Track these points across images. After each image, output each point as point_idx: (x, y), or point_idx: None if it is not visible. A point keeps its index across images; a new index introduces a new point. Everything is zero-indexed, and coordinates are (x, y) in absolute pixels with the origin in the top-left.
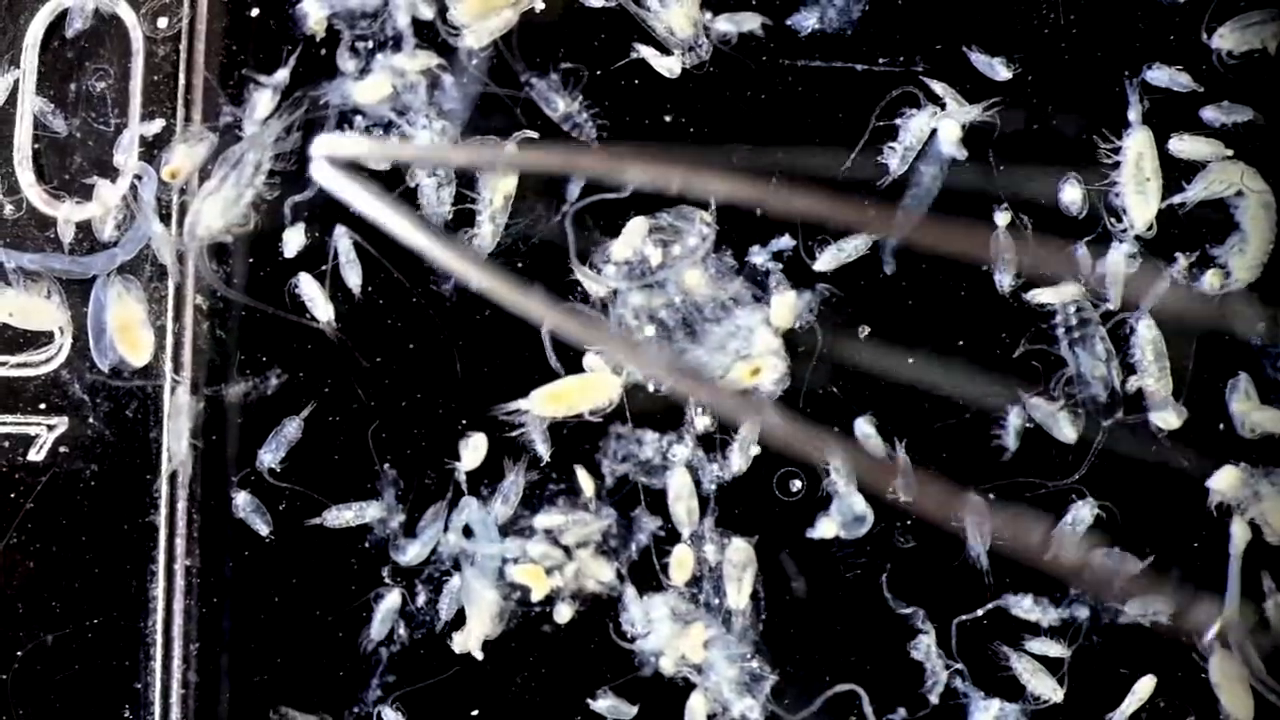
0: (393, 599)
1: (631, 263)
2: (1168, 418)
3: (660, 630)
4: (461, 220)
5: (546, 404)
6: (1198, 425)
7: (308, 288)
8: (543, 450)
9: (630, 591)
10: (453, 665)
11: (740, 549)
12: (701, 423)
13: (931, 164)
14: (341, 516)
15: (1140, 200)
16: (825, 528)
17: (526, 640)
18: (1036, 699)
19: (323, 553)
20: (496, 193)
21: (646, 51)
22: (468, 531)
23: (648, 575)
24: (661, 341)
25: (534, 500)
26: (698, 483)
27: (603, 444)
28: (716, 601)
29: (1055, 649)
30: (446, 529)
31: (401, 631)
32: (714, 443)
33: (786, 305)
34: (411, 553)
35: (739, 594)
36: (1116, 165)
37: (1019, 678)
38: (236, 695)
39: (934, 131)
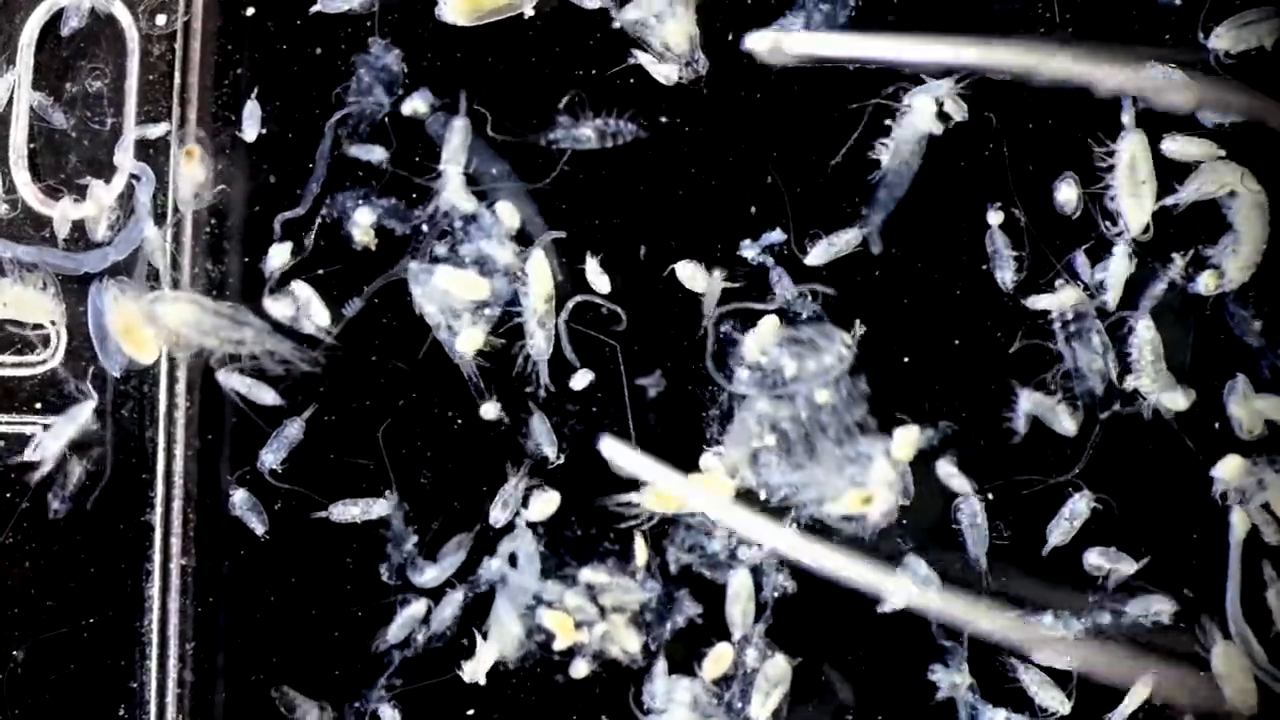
0: (417, 607)
1: (765, 370)
2: (1176, 399)
3: (675, 714)
4: (514, 334)
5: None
6: (1198, 417)
7: (303, 294)
8: (550, 453)
9: (661, 665)
10: (452, 668)
11: (779, 665)
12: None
13: (909, 140)
14: (348, 512)
15: (1135, 204)
16: (895, 599)
17: (536, 679)
18: (1043, 711)
19: (319, 552)
20: (538, 298)
21: (644, 58)
22: (513, 560)
23: (685, 655)
24: (780, 454)
25: (585, 551)
26: (759, 587)
27: (671, 530)
28: (739, 706)
29: (1062, 661)
30: (494, 554)
31: (419, 638)
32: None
33: (909, 439)
34: (429, 575)
35: (763, 707)
36: (1110, 169)
37: (1026, 689)
38: (232, 694)
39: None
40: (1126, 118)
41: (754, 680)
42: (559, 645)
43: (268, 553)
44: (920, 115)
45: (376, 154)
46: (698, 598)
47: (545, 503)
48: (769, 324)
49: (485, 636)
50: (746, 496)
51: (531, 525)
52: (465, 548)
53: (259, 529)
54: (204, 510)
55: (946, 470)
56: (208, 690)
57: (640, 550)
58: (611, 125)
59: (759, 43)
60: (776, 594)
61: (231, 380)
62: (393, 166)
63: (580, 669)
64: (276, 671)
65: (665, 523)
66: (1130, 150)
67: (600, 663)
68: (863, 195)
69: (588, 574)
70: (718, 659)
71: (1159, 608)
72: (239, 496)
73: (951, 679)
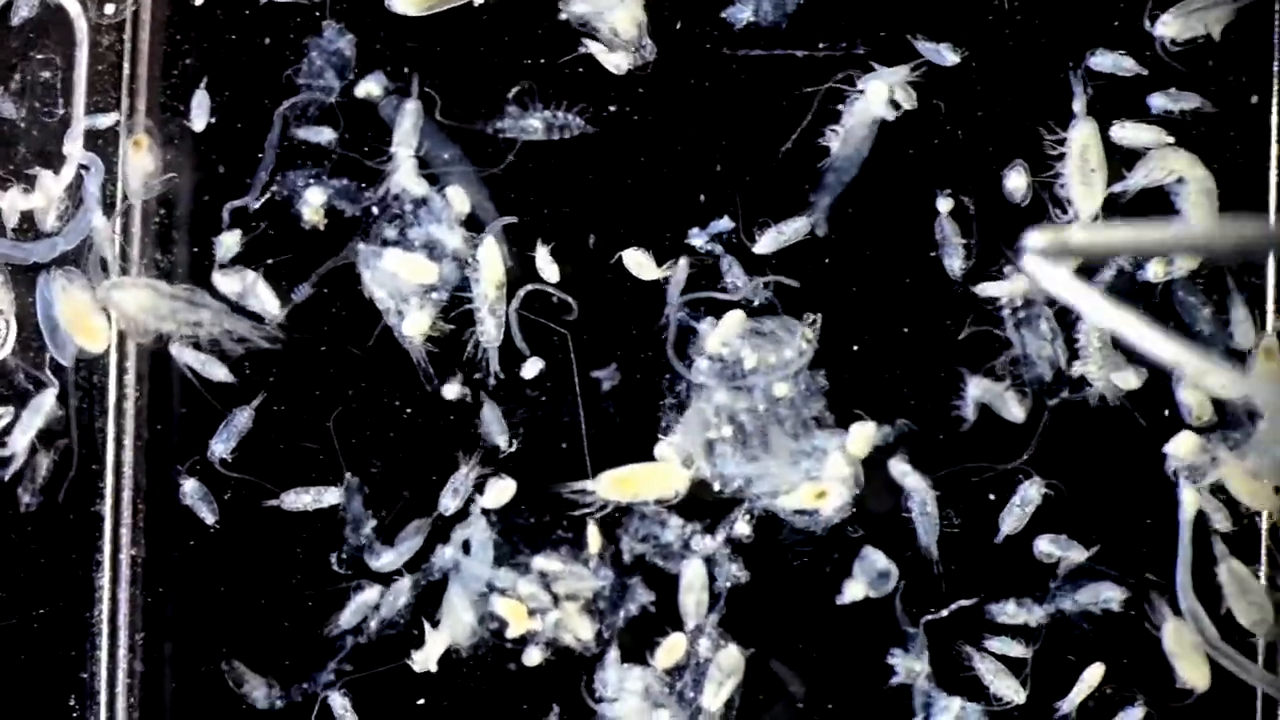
0: (370, 593)
1: (725, 360)
2: (1127, 378)
3: (628, 703)
4: (464, 320)
5: (611, 487)
6: (1148, 404)
7: (252, 283)
8: (501, 443)
9: (614, 654)
10: (402, 656)
11: (732, 656)
12: (744, 526)
13: (861, 125)
14: (300, 500)
15: (1086, 191)
16: (853, 590)
17: (488, 667)
18: (998, 700)
19: (269, 541)
20: (489, 285)
21: (595, 47)
22: (467, 547)
23: (637, 644)
24: (736, 445)
25: (538, 539)
26: (712, 578)
27: (626, 520)
28: (691, 696)
29: (1017, 649)
30: (448, 540)
31: (371, 625)
32: (744, 547)
33: (865, 436)
34: (385, 559)
35: (715, 697)
36: (1061, 156)
37: (981, 679)
38: (182, 684)
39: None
40: (1078, 105)
41: (707, 670)
42: (512, 633)
43: (218, 542)
44: (873, 100)
45: (325, 135)
46: (651, 586)
47: (500, 490)
48: (734, 318)
49: (437, 624)
50: (701, 486)
51: (485, 512)
52: (423, 533)
53: (209, 518)
54: (154, 500)
55: (901, 469)
56: (157, 680)
57: (593, 538)
58: (559, 118)
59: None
60: (729, 584)
61: (185, 355)
62: (343, 149)
63: (533, 656)
64: (226, 661)
65: (619, 512)
66: (1081, 137)
67: (553, 650)
68: (812, 182)
69: (541, 562)
70: (670, 649)
71: (1109, 595)
72: (189, 486)
73: (910, 665)
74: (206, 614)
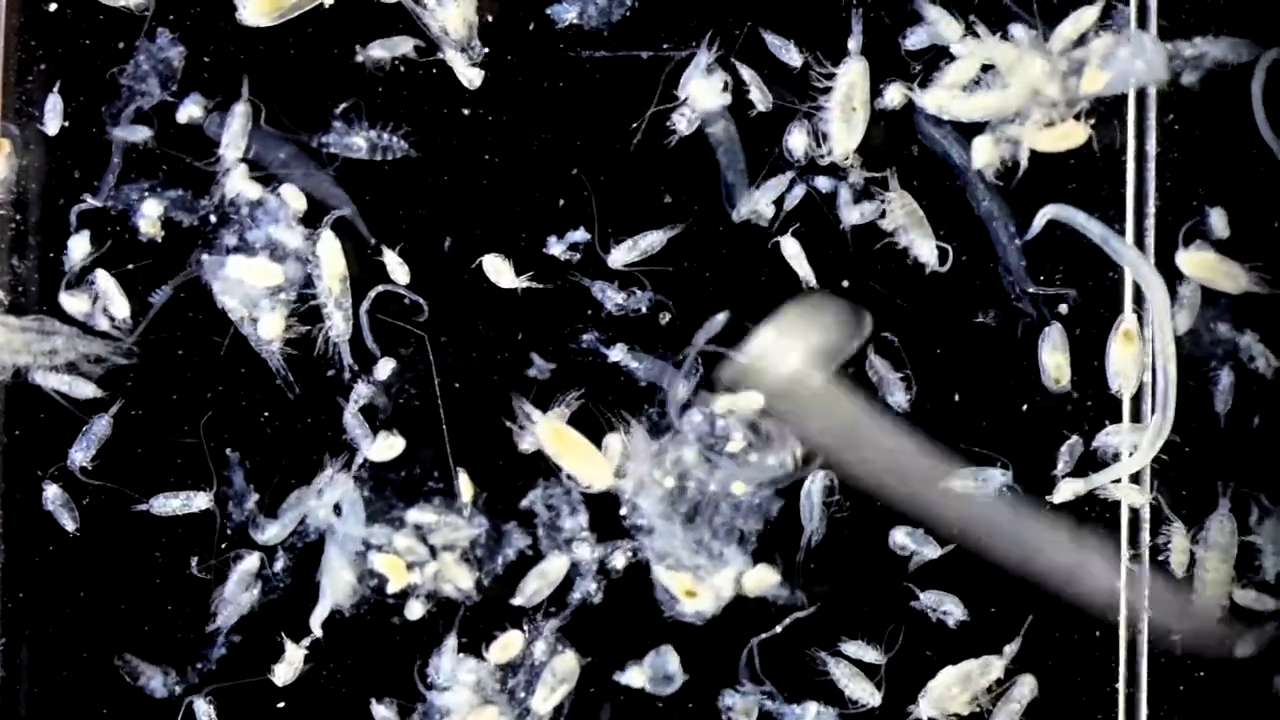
0: (251, 562)
1: (714, 425)
2: None
3: (458, 694)
4: (313, 317)
5: (547, 432)
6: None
7: (104, 284)
8: (364, 445)
9: (451, 642)
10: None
11: (567, 662)
12: (621, 560)
13: (715, 119)
14: (169, 504)
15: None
16: (632, 676)
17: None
18: (854, 703)
19: (130, 547)
20: (332, 279)
21: (450, 55)
22: (337, 509)
23: (475, 637)
24: (665, 503)
25: (411, 492)
26: (570, 581)
27: (542, 481)
28: (522, 696)
29: (871, 654)
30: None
31: (254, 593)
32: (609, 572)
33: (763, 581)
34: (270, 532)
35: (545, 701)
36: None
37: (836, 683)
38: (42, 691)
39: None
40: (853, 43)
41: (540, 673)
42: (393, 588)
43: (79, 548)
44: (704, 97)
45: (140, 134)
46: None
47: (390, 446)
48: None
49: (318, 587)
50: (610, 497)
51: (365, 464)
52: (305, 500)
53: (70, 525)
54: (12, 506)
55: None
56: (13, 686)
57: (465, 486)
58: (384, 139)
59: None
60: (581, 598)
61: (49, 380)
62: (172, 151)
63: (415, 610)
64: (87, 666)
65: (543, 472)
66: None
67: (434, 602)
68: (670, 188)
69: (414, 515)
70: (506, 645)
71: (949, 607)
72: (51, 492)
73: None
74: (66, 620)
